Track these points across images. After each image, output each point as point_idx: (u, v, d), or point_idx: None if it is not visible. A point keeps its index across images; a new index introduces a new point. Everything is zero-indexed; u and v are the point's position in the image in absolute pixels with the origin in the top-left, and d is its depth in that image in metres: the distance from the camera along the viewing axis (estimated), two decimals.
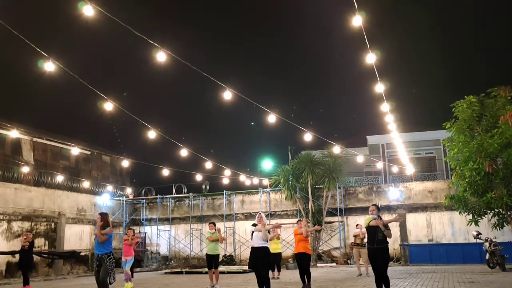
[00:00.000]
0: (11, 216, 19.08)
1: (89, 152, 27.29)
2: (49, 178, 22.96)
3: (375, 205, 8.61)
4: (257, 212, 10.20)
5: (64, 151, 25.50)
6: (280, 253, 15.31)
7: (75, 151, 22.80)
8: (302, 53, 78.57)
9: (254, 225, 8.65)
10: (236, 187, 26.13)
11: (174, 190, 27.21)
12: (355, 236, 15.46)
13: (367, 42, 10.78)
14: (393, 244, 20.86)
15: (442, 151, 29.43)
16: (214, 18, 78.56)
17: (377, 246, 8.06)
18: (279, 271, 15.05)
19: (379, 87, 13.57)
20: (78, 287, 14.33)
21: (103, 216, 8.67)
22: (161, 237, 26.06)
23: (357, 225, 15.66)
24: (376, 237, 8.07)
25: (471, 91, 18.52)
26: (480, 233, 16.32)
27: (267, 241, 8.42)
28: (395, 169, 24.81)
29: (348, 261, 21.66)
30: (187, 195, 26.47)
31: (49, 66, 10.68)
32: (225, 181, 24.08)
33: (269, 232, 8.61)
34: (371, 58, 11.59)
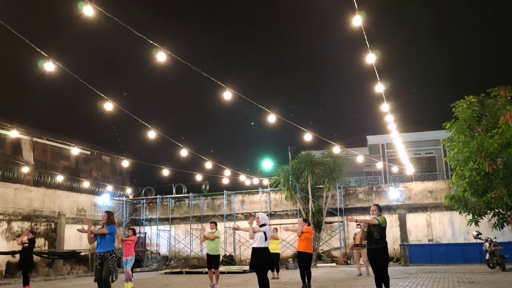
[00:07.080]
0: (11, 216, 19.07)
1: (89, 152, 27.28)
2: (49, 178, 22.95)
3: (376, 205, 8.62)
4: (257, 212, 10.20)
5: (64, 151, 25.50)
6: (278, 254, 15.31)
7: (75, 151, 22.79)
8: (302, 53, 78.61)
9: (262, 225, 8.64)
10: (236, 187, 26.15)
11: (174, 190, 27.20)
12: (354, 238, 15.56)
13: (367, 42, 10.79)
14: (393, 244, 20.88)
15: (442, 151, 29.43)
16: (214, 18, 78.59)
17: (375, 246, 8.13)
18: (277, 271, 15.03)
19: (379, 87, 13.57)
20: (78, 287, 14.33)
21: (109, 214, 8.34)
22: (161, 237, 26.06)
23: (357, 224, 15.64)
24: (373, 237, 8.15)
25: (471, 91, 18.53)
26: (480, 233, 16.31)
27: (265, 240, 8.44)
28: (395, 169, 24.80)
29: (348, 261, 21.65)
30: (187, 195, 26.47)
31: (49, 66, 10.67)
32: (225, 181, 24.10)
33: (265, 234, 8.59)
34: (371, 58, 11.59)
